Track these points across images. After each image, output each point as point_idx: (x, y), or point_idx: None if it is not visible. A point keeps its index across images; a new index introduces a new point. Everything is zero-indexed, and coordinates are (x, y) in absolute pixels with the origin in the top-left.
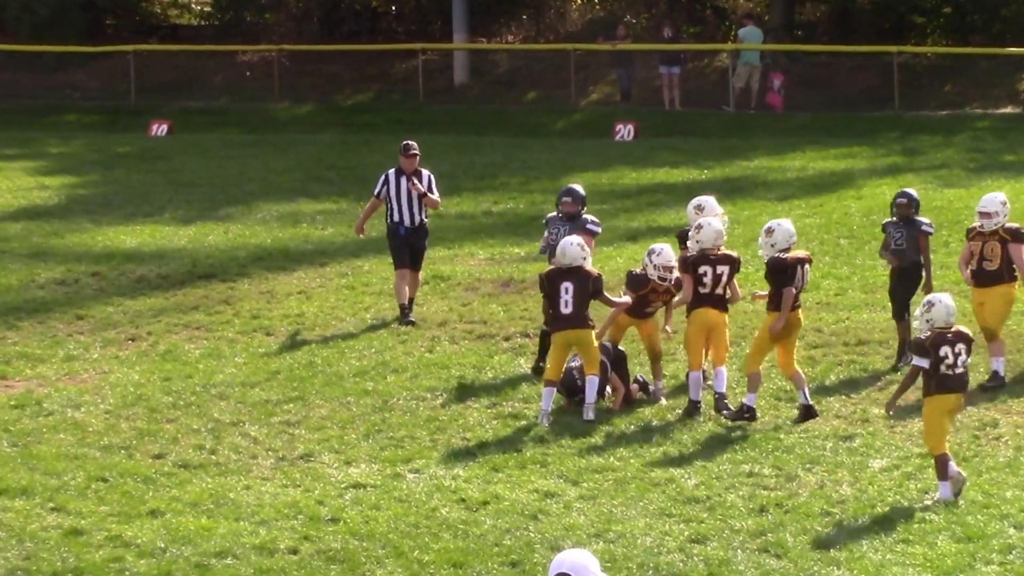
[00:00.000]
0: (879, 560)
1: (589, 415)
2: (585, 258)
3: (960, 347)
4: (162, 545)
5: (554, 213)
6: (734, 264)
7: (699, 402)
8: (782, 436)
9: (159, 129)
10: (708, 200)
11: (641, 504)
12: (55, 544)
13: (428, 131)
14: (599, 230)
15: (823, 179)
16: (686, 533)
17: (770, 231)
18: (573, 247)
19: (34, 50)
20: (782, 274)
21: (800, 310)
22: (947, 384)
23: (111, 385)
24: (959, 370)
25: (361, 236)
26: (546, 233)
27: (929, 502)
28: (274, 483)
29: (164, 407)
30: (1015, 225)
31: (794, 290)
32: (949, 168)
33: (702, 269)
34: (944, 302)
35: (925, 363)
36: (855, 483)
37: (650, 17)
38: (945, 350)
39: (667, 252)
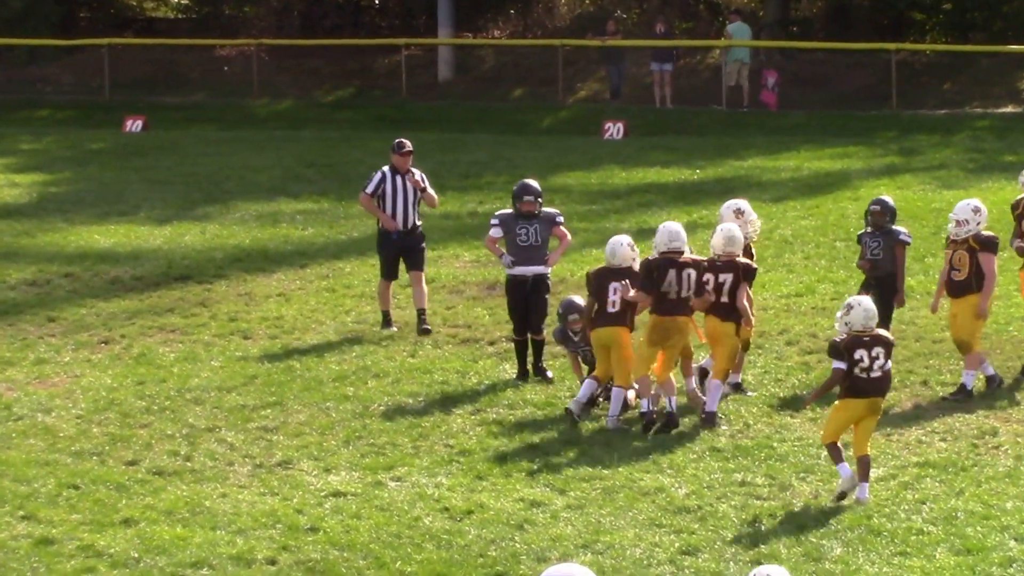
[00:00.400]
0: (876, 573)
1: (611, 425)
2: (635, 259)
3: (878, 351)
4: (136, 555)
5: (507, 211)
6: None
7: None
8: (775, 444)
9: (134, 125)
10: (745, 204)
11: (630, 514)
12: (25, 554)
13: (411, 128)
14: (563, 218)
15: (818, 179)
16: (677, 544)
17: (655, 232)
18: (624, 248)
19: (5, 43)
20: (648, 276)
21: (679, 317)
22: (857, 388)
23: (83, 389)
24: (875, 374)
25: (396, 228)
26: (493, 232)
27: (926, 513)
28: (251, 491)
29: (138, 412)
30: (988, 234)
31: (646, 293)
32: (948, 169)
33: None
34: (863, 305)
35: (843, 365)
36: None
37: (641, 12)
38: (860, 353)
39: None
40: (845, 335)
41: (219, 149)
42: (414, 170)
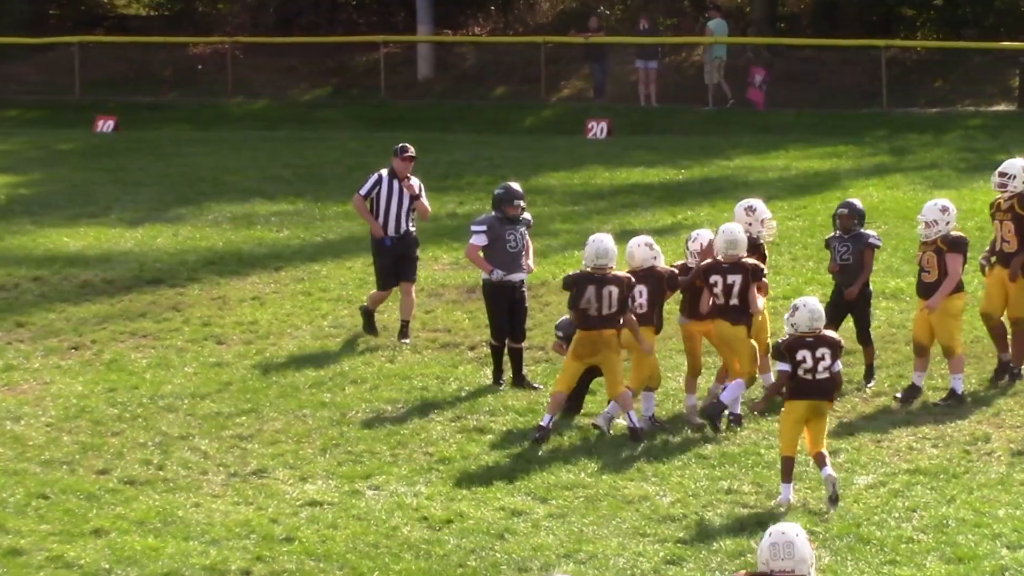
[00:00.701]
0: None
1: (598, 421)
2: (656, 258)
3: (823, 351)
4: (107, 566)
5: (491, 215)
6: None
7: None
8: (762, 451)
9: (105, 125)
10: (758, 202)
11: (614, 523)
12: None
13: (390, 128)
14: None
15: (807, 179)
16: (661, 554)
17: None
18: (641, 248)
19: None
20: (570, 292)
21: (605, 331)
22: (801, 390)
23: (53, 396)
24: (821, 375)
25: (388, 235)
26: (478, 239)
27: (916, 521)
28: (225, 500)
29: (109, 420)
30: (956, 234)
31: (571, 308)
32: (939, 168)
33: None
34: (808, 306)
35: (787, 367)
36: (839, 500)
37: (625, 9)
38: (803, 354)
39: (702, 237)
40: (789, 336)
41: (193, 150)
42: (412, 177)
